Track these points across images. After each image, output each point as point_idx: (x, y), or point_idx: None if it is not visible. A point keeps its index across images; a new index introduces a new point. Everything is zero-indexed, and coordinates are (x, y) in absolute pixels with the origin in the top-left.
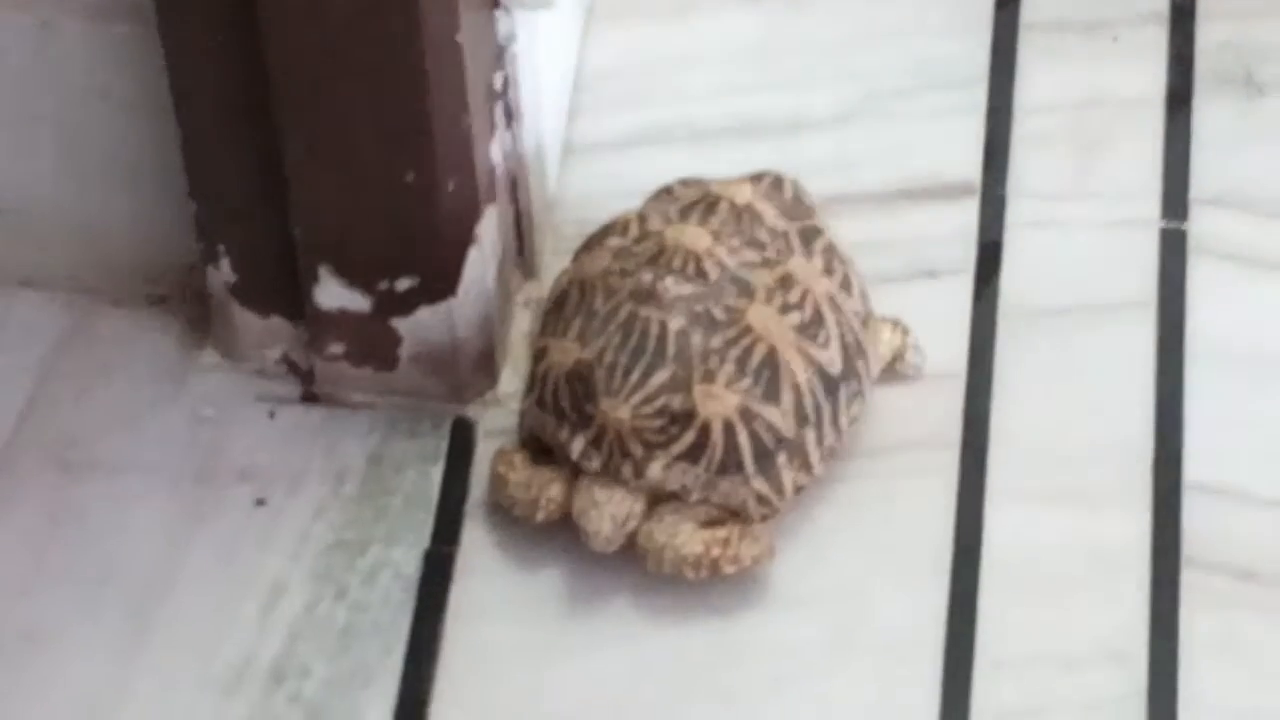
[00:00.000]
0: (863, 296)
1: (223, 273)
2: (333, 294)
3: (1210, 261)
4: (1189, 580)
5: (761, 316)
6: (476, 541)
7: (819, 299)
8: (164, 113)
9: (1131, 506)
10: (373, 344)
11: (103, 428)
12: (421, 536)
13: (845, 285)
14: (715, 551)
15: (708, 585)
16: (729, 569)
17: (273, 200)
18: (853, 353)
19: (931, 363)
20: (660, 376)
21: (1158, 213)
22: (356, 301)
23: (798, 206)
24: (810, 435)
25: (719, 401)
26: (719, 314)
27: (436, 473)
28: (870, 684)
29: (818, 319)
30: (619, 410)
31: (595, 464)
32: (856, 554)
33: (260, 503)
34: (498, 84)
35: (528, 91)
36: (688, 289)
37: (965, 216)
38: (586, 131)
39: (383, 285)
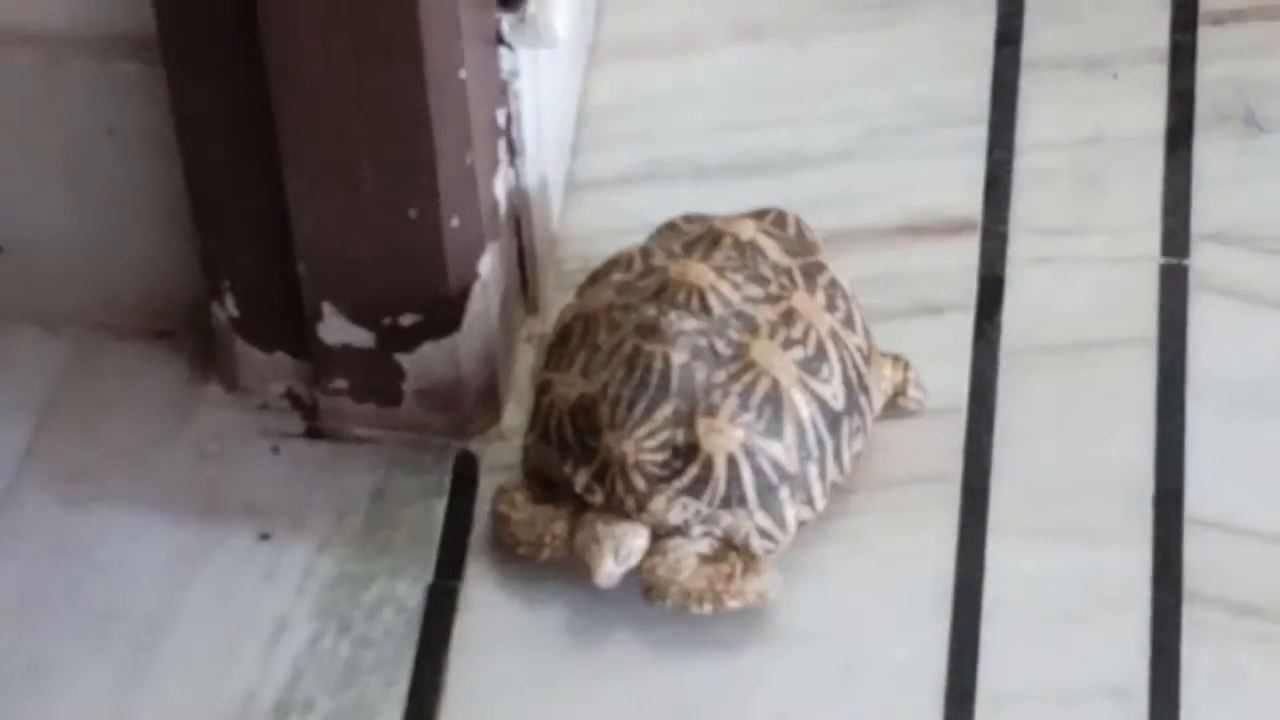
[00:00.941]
0: (865, 332)
1: (227, 308)
2: (336, 329)
3: (1211, 297)
4: (1190, 615)
5: (765, 351)
6: (480, 575)
7: (822, 334)
8: (169, 149)
9: (1132, 542)
10: (376, 379)
11: (107, 462)
12: (425, 571)
13: (848, 321)
14: (719, 586)
15: (710, 619)
16: (732, 603)
17: (277, 236)
18: (855, 388)
19: (933, 398)
20: (664, 411)
21: (1158, 249)
22: (360, 337)
23: (800, 242)
24: (813, 470)
25: (722, 435)
26: (722, 349)
27: (440, 507)
28: (872, 718)
29: (821, 354)
30: (623, 444)
31: (599, 498)
32: (858, 588)
33: (264, 537)
34: (501, 120)
35: (530, 127)
36: (691, 324)
37: (966, 253)
38: (589, 167)
39: (386, 321)
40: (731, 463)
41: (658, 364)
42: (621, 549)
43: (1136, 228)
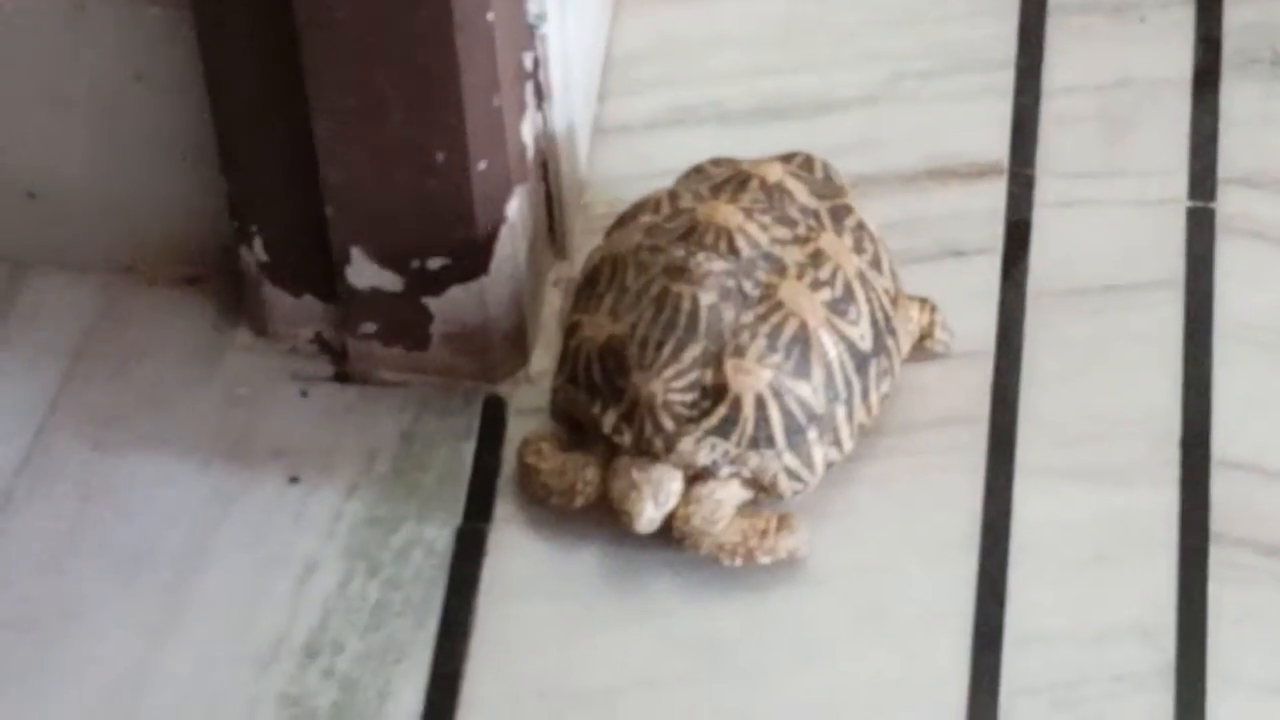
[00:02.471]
0: (892, 274)
1: (255, 253)
2: (365, 273)
3: (1238, 240)
4: (1217, 556)
5: (793, 292)
6: (508, 518)
7: (849, 276)
8: (197, 94)
9: (1159, 483)
10: (405, 323)
11: (136, 407)
12: (454, 513)
13: (875, 263)
14: (752, 542)
15: None
16: (764, 559)
17: (305, 180)
18: (883, 330)
19: (960, 341)
20: (692, 351)
21: (1185, 192)
22: (389, 281)
23: (827, 185)
24: (841, 411)
25: (750, 376)
26: (750, 289)
27: (468, 450)
28: (900, 659)
29: (848, 295)
30: (651, 384)
31: (627, 439)
32: (886, 530)
33: (293, 481)
34: (528, 64)
35: (558, 72)
36: (719, 265)
37: (993, 197)
38: (616, 112)
39: (414, 264)
40: (759, 403)
41: (686, 305)
42: (660, 494)
43: (1163, 171)
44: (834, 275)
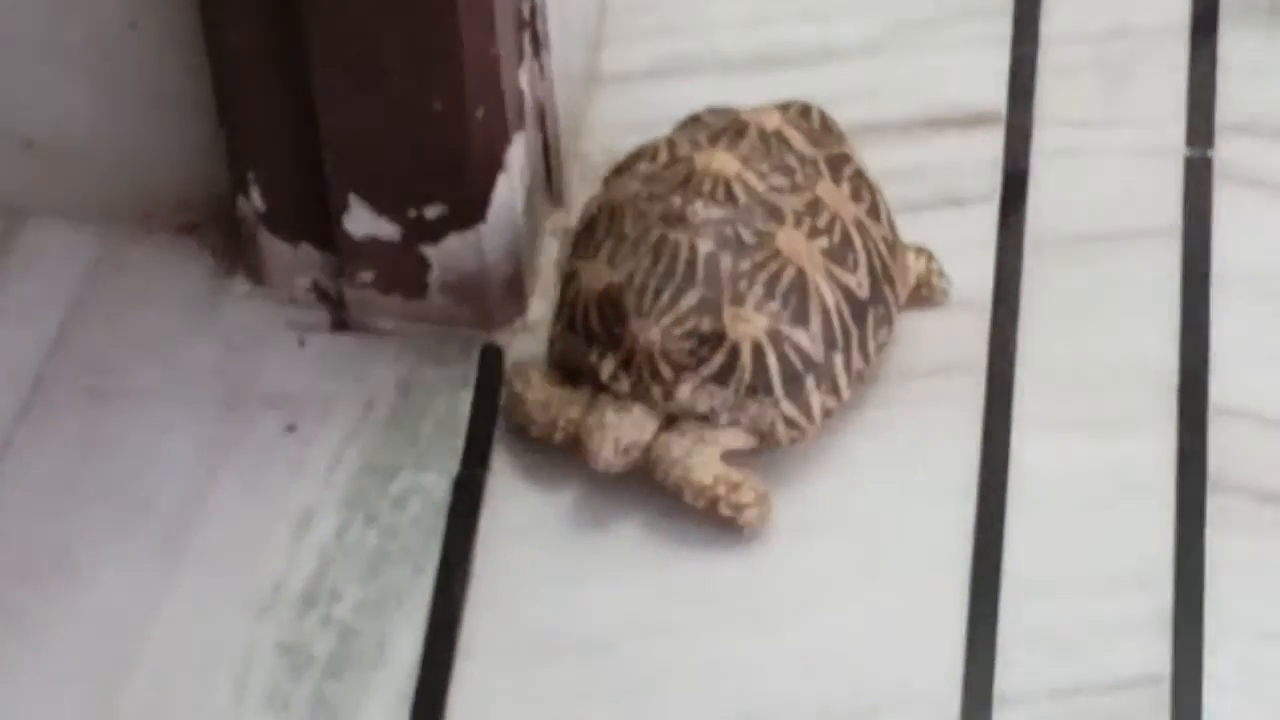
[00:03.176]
0: (890, 223)
1: (253, 201)
2: (362, 222)
3: (1235, 188)
4: (1214, 504)
5: (790, 240)
6: (506, 466)
7: (847, 224)
8: (194, 42)
9: (1157, 431)
10: (402, 271)
11: (134, 356)
12: (451, 461)
13: (873, 211)
14: (720, 490)
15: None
16: (725, 511)
17: (302, 128)
18: (880, 278)
19: (958, 290)
20: (690, 299)
21: (1183, 140)
22: (386, 229)
23: (825, 134)
24: (838, 359)
25: (748, 324)
26: (748, 237)
27: (466, 398)
28: (898, 607)
29: (846, 243)
30: (649, 332)
31: (625, 386)
32: (884, 479)
33: (290, 429)
34: (526, 12)
35: (555, 19)
36: (717, 213)
37: (991, 145)
38: (614, 61)
39: (412, 213)
40: (757, 350)
41: (684, 252)
42: (624, 441)
43: (1161, 119)
44: (831, 223)
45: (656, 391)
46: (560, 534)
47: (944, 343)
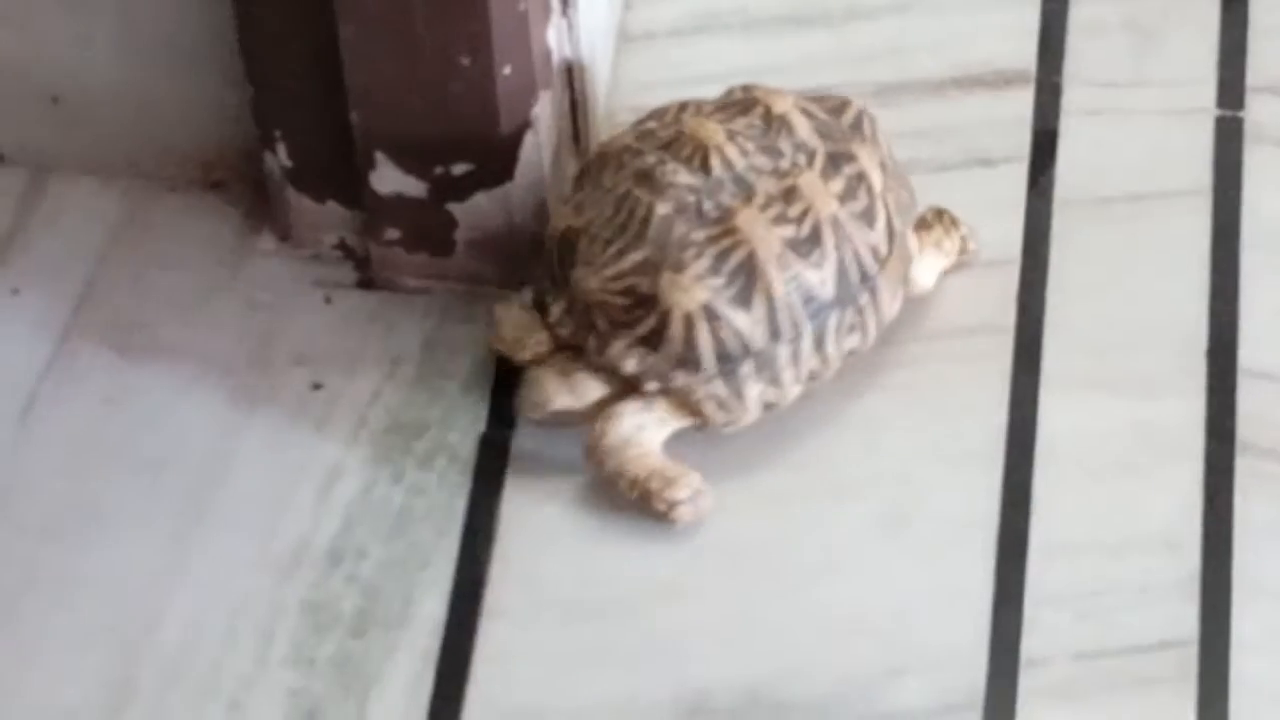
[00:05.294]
0: (889, 236)
1: (279, 158)
2: (389, 179)
3: (1266, 149)
4: (1243, 466)
5: (750, 220)
6: (532, 425)
7: (821, 219)
8: None
9: (1186, 393)
10: (429, 229)
11: (159, 313)
12: (477, 420)
13: (866, 216)
14: (654, 484)
15: (764, 469)
16: (658, 505)
17: (329, 85)
18: (855, 283)
19: (986, 250)
20: (634, 256)
21: (1213, 101)
22: (413, 186)
23: (844, 131)
24: (783, 351)
25: (684, 293)
26: (709, 209)
27: (492, 357)
28: (924, 568)
29: (814, 238)
30: (589, 280)
31: (566, 331)
32: (910, 439)
33: (317, 387)
34: None
35: None
36: (686, 179)
37: (1021, 105)
38: (642, 19)
39: (439, 170)
40: (688, 322)
41: (640, 211)
42: (550, 404)
43: (1191, 80)
44: (803, 215)
45: (591, 341)
46: (586, 494)
47: (972, 303)
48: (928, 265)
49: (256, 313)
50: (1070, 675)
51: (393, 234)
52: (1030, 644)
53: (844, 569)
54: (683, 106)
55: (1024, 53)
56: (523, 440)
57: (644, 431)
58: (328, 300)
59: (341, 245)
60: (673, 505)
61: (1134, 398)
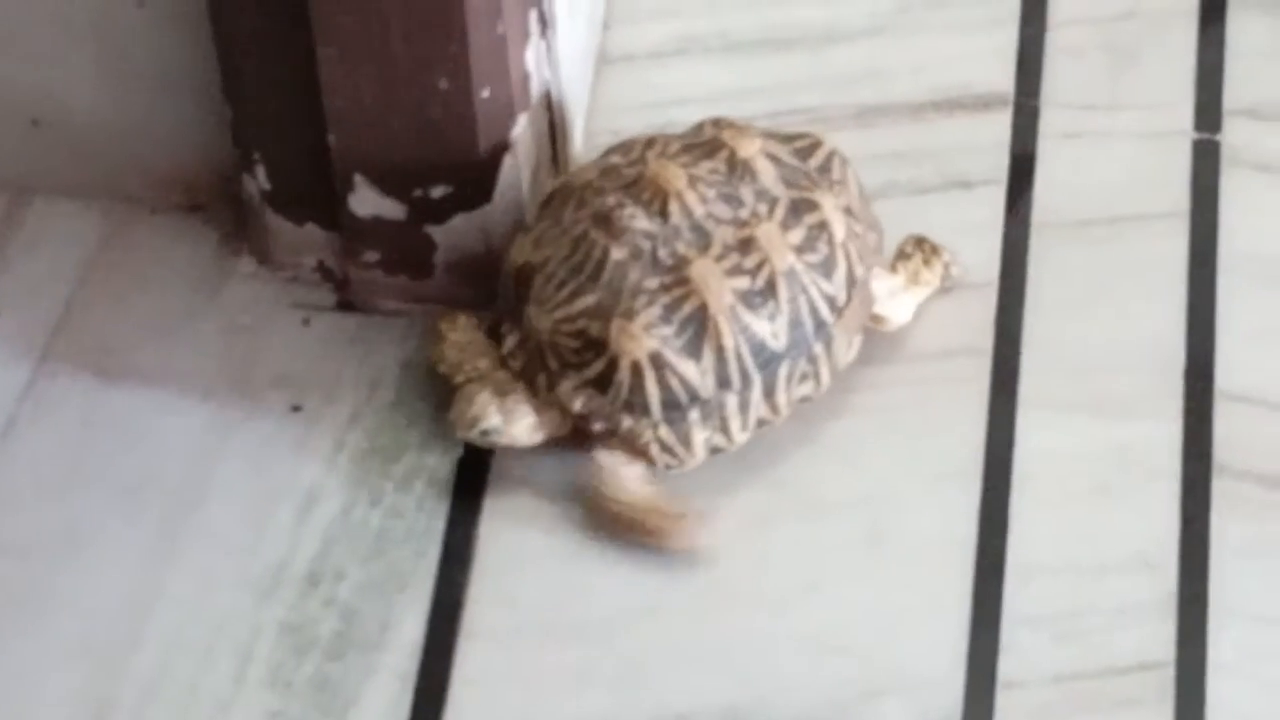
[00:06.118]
0: (848, 285)
1: (258, 180)
2: (368, 201)
3: (1243, 172)
4: (1220, 488)
5: (703, 271)
6: (510, 448)
7: (776, 271)
8: (200, 20)
9: (1163, 415)
10: (407, 251)
11: (138, 335)
12: (455, 442)
13: (824, 267)
14: (651, 523)
15: (740, 489)
16: (664, 543)
17: (308, 108)
18: (808, 334)
19: (964, 272)
20: (587, 300)
21: (1191, 124)
22: (391, 209)
23: (810, 176)
24: (731, 400)
25: (633, 341)
26: (664, 257)
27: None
28: (902, 589)
29: (769, 290)
30: (541, 320)
31: (518, 364)
32: (888, 461)
33: (295, 409)
34: None
35: None
36: (643, 224)
37: (998, 127)
38: (621, 42)
39: (417, 192)
40: (636, 369)
41: (596, 254)
42: (480, 423)
43: (1169, 102)
44: (759, 267)
45: (541, 379)
46: (565, 517)
47: (950, 325)
48: (903, 301)
49: (236, 335)
50: (1047, 697)
51: (371, 256)
52: (1007, 665)
53: (822, 590)
54: (650, 142)
55: (1002, 76)
56: (501, 462)
57: (626, 479)
58: (306, 322)
59: (320, 267)
60: (671, 536)
61: (1111, 419)
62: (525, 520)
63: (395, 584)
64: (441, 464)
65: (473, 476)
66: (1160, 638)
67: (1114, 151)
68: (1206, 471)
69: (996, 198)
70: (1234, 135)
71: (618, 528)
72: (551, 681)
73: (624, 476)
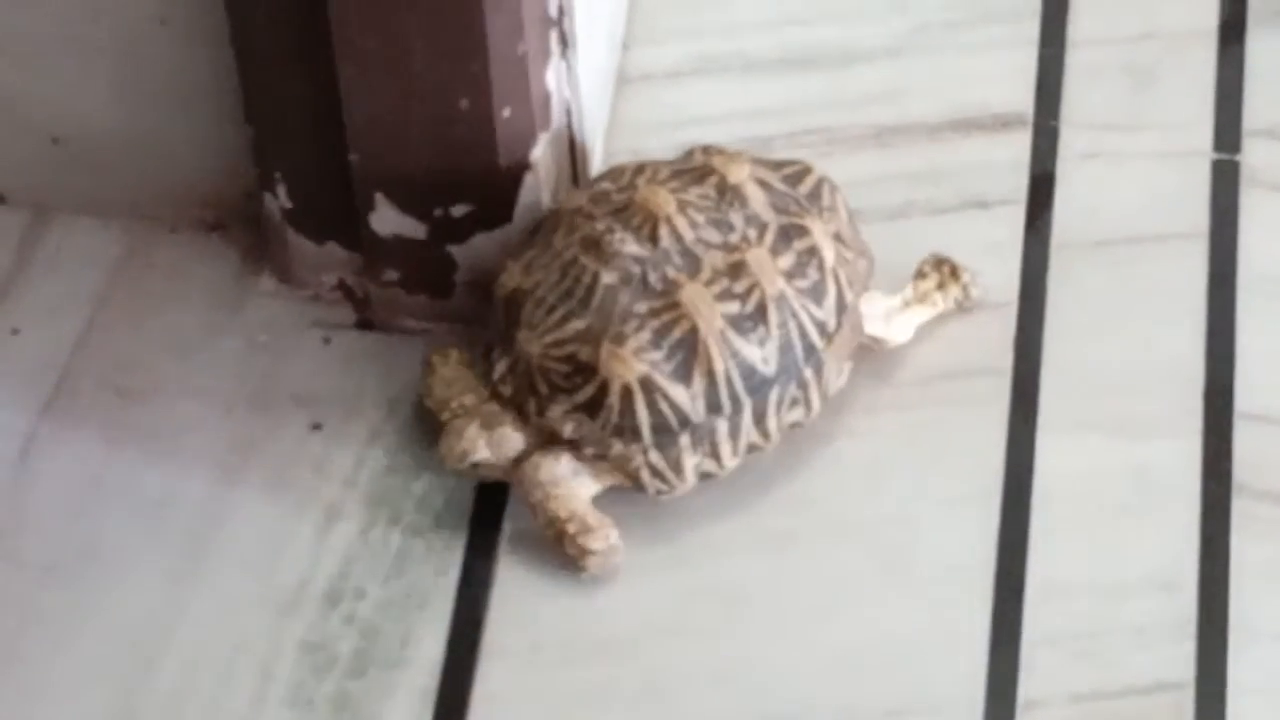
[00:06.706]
0: (838, 311)
1: (279, 199)
2: (388, 220)
3: (1262, 192)
4: (1239, 508)
5: (693, 295)
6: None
7: (767, 296)
8: (221, 39)
9: (1182, 435)
10: (428, 270)
11: (159, 353)
12: None
13: (814, 293)
14: (570, 528)
15: (760, 511)
16: (570, 550)
17: (329, 127)
18: (799, 359)
19: (984, 293)
20: (577, 324)
21: (1210, 144)
22: (412, 228)
23: (802, 201)
24: (722, 425)
25: (623, 365)
26: (654, 281)
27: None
28: (922, 610)
29: (759, 315)
30: (531, 345)
31: (508, 389)
32: (908, 481)
33: (316, 428)
34: (553, 11)
35: (582, 19)
36: (633, 249)
37: (1017, 148)
38: (640, 62)
39: (438, 211)
40: (626, 393)
41: (586, 279)
42: (470, 456)
43: (1188, 123)
44: (749, 291)
45: (531, 404)
46: None
47: (970, 345)
48: (901, 322)
49: (256, 353)
50: (1067, 717)
51: (392, 275)
52: (1027, 685)
53: (842, 610)
54: (639, 169)
55: (1021, 96)
56: None
57: (578, 477)
58: (327, 341)
59: (341, 286)
60: (585, 553)
61: (1131, 440)
62: (545, 538)
63: (416, 602)
64: (462, 482)
65: (493, 494)
66: (1180, 658)
67: (1133, 172)
68: (1226, 491)
69: (1015, 218)
70: (1253, 155)
71: (537, 517)
72: (572, 700)
73: (575, 482)
